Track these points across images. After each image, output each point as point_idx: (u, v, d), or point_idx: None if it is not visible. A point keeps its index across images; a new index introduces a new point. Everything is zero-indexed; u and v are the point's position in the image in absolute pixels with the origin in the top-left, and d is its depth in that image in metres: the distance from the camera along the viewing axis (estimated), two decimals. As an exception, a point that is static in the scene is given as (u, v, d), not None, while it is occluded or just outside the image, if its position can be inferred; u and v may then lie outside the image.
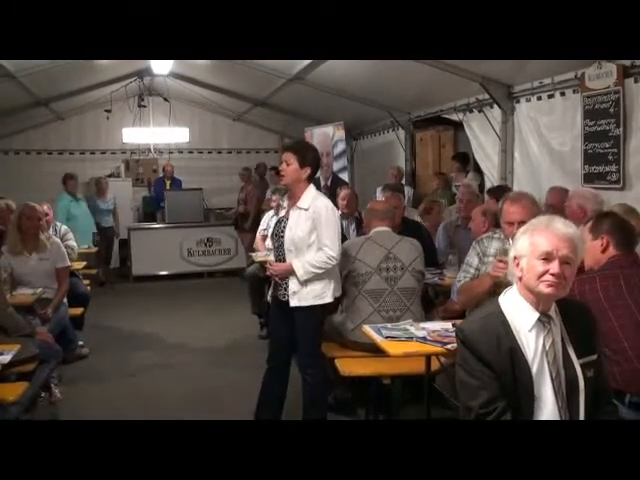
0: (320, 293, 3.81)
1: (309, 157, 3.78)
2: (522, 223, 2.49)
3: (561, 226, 2.14)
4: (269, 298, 4.03)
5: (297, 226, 3.75)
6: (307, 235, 3.74)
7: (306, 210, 3.75)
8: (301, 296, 3.78)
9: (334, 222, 3.79)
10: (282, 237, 3.83)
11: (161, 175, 11.24)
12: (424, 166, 9.05)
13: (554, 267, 2.10)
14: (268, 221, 6.57)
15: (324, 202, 3.81)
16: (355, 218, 6.35)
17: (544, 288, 2.13)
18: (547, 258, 2.11)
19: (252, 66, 7.51)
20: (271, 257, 4.04)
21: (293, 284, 3.78)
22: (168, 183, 10.96)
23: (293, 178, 3.78)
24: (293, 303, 3.79)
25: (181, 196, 10.53)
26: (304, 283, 3.76)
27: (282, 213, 4.00)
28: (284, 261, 3.82)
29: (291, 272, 3.75)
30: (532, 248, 2.14)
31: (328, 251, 3.71)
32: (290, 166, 3.75)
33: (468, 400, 2.18)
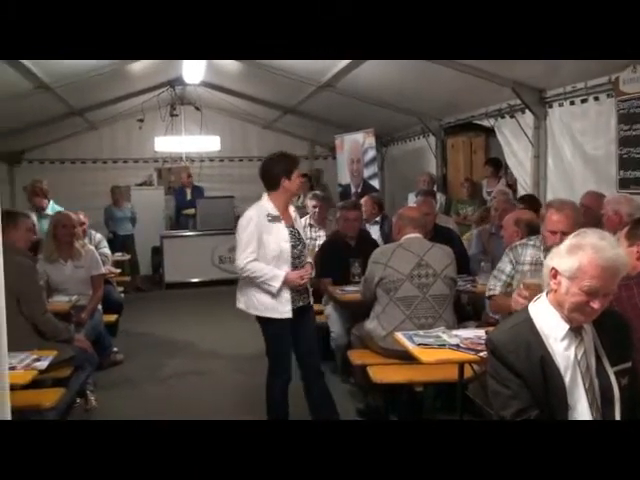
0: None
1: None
2: (565, 233, 2.45)
3: (610, 253, 2.05)
4: (288, 314, 3.82)
5: (301, 228, 4.06)
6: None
7: (294, 212, 4.04)
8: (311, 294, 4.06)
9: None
10: (299, 244, 3.92)
11: (183, 184, 11.29)
12: (455, 172, 9.00)
13: (596, 304, 2.06)
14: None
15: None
16: (377, 222, 6.44)
17: (579, 317, 2.11)
18: (594, 295, 2.05)
19: (282, 74, 7.55)
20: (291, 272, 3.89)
21: (309, 285, 4.00)
22: (189, 192, 11.06)
23: None
24: (311, 301, 4.04)
25: (213, 204, 10.61)
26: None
27: (281, 223, 3.86)
28: (303, 266, 3.92)
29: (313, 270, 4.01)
30: (579, 275, 2.06)
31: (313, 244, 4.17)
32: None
33: (500, 410, 2.16)
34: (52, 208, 7.42)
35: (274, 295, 3.78)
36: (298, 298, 3.89)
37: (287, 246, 3.81)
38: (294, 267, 3.85)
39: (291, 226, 3.91)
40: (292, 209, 4.03)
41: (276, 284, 3.75)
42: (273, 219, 3.81)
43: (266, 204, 3.86)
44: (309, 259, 4.00)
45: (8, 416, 1.71)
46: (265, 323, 3.88)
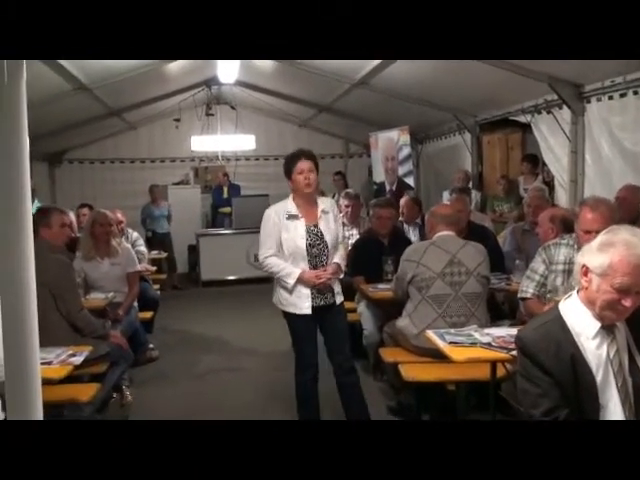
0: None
1: (318, 163, 3.96)
2: (599, 232, 2.40)
3: None
4: (307, 311, 3.86)
5: (330, 228, 3.94)
6: (339, 233, 4.03)
7: (328, 212, 3.97)
8: (340, 293, 4.03)
9: (340, 218, 4.18)
10: (320, 244, 3.89)
11: (220, 182, 11.42)
12: (491, 169, 8.90)
13: (628, 301, 2.02)
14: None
15: (332, 201, 4.27)
16: (417, 224, 6.36)
17: (611, 314, 2.07)
18: (625, 292, 2.02)
19: (316, 72, 7.57)
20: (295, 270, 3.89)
21: (336, 284, 3.98)
22: (225, 190, 11.16)
23: (315, 185, 3.96)
24: (339, 300, 4.00)
25: (248, 202, 10.66)
26: (339, 280, 4.01)
27: (299, 221, 3.89)
28: (323, 266, 3.90)
29: (338, 272, 3.97)
30: (610, 272, 2.02)
31: (344, 243, 4.17)
32: (313, 174, 3.89)
33: (529, 408, 2.14)
34: (35, 207, 7.40)
35: (292, 291, 3.87)
36: (320, 296, 3.89)
37: (302, 244, 3.85)
38: (313, 266, 3.88)
39: (313, 225, 3.90)
40: (328, 208, 3.98)
41: (290, 281, 3.84)
42: (290, 217, 3.88)
43: (288, 202, 3.96)
44: (337, 259, 3.95)
45: (40, 415, 1.74)
46: (287, 318, 3.99)
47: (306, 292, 3.86)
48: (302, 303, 3.87)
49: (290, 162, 3.91)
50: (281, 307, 3.98)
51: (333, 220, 3.98)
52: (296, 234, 3.86)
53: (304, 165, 3.85)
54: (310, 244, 3.87)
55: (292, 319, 3.94)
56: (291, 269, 3.84)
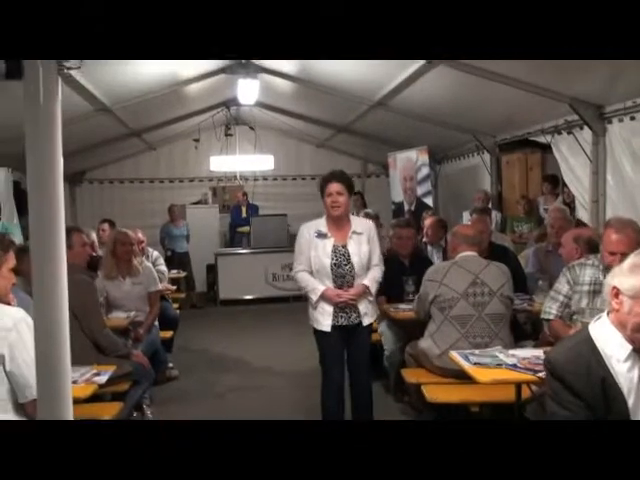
0: (376, 308, 4.19)
1: (352, 186, 4.08)
2: (624, 254, 2.38)
3: None
4: (327, 328, 3.95)
5: (361, 250, 3.98)
6: (370, 256, 4.02)
7: (361, 234, 4.01)
8: (370, 314, 4.06)
9: (377, 240, 4.13)
10: (347, 265, 3.95)
11: (239, 202, 11.47)
12: (511, 189, 8.86)
13: None
14: None
15: (370, 223, 4.21)
16: (440, 245, 6.30)
17: None
18: None
19: (335, 93, 7.61)
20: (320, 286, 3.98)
21: (363, 305, 3.99)
22: (244, 210, 11.21)
23: (346, 208, 4.03)
24: (367, 322, 4.03)
25: (266, 222, 10.72)
26: (369, 302, 4.03)
27: (328, 240, 3.99)
28: (350, 286, 3.95)
29: (365, 293, 3.98)
30: None
31: (382, 266, 4.10)
32: (343, 196, 3.98)
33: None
34: (1, 227, 7.39)
35: (316, 307, 3.98)
36: (343, 315, 3.96)
37: (328, 263, 3.95)
38: (338, 285, 3.96)
39: (342, 245, 3.97)
40: (362, 229, 4.03)
41: (314, 297, 3.97)
42: (320, 235, 4.01)
43: (320, 221, 4.09)
44: (366, 281, 3.98)
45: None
46: (314, 332, 4.08)
47: (329, 309, 3.94)
48: (324, 320, 3.97)
49: (322, 184, 4.05)
50: (310, 322, 4.09)
51: (366, 242, 4.01)
52: (323, 252, 3.95)
53: (333, 188, 3.97)
54: (335, 263, 3.94)
55: (316, 335, 4.05)
56: (316, 285, 3.95)
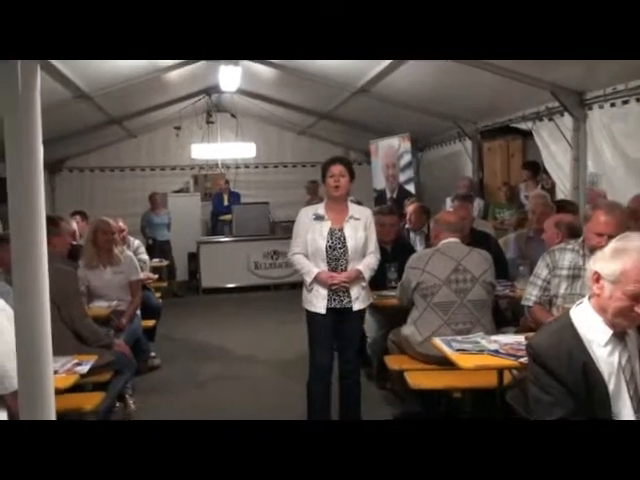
0: (369, 295, 4.16)
1: (353, 171, 4.10)
2: (611, 236, 2.39)
3: None
4: (321, 310, 3.98)
5: (357, 235, 4.00)
6: (366, 242, 4.04)
7: (359, 219, 4.03)
8: (362, 299, 4.05)
9: (374, 228, 4.14)
10: (341, 248, 3.97)
11: (221, 189, 11.43)
12: (492, 176, 8.91)
13: None
14: None
15: (368, 211, 4.22)
16: (423, 232, 6.33)
17: (623, 322, 2.06)
18: (636, 298, 2.01)
19: (317, 80, 7.58)
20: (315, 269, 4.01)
21: (355, 290, 4.00)
22: (226, 197, 11.17)
23: (346, 190, 4.07)
24: (357, 307, 4.03)
25: (248, 210, 10.69)
26: (362, 287, 4.03)
27: (325, 222, 4.02)
28: (343, 270, 3.98)
29: (358, 278, 3.99)
30: (623, 279, 2.02)
31: (378, 254, 4.10)
32: (344, 178, 4.01)
33: (542, 417, 2.12)
34: None
35: (311, 290, 4.00)
36: (336, 298, 3.99)
37: (323, 245, 3.97)
38: (332, 268, 3.99)
39: (339, 229, 4.00)
40: (360, 215, 4.06)
41: (308, 279, 3.99)
42: (317, 218, 4.04)
43: (319, 204, 4.17)
44: (360, 266, 4.00)
45: (53, 417, 1.74)
46: (306, 317, 4.10)
47: (323, 292, 3.97)
48: (318, 302, 4.00)
49: (325, 166, 4.08)
50: (303, 305, 4.11)
51: (363, 228, 4.03)
52: (320, 235, 3.99)
53: (335, 169, 4.00)
54: (330, 246, 3.97)
55: (309, 317, 4.07)
56: (310, 268, 3.98)
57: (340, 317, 4.02)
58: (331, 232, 3.99)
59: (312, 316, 4.04)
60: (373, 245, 4.09)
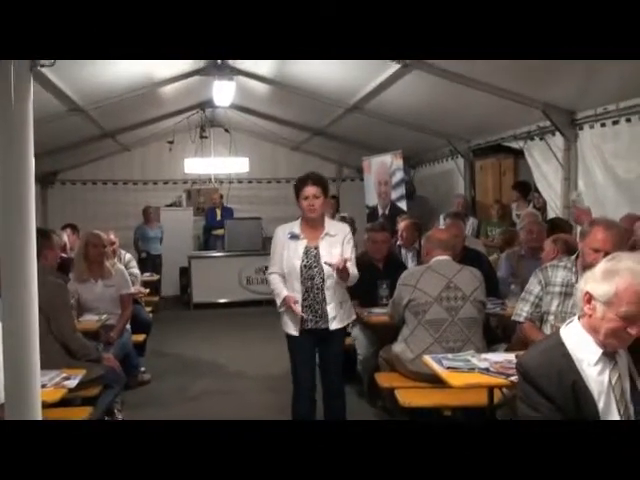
0: (350, 312, 4.08)
1: (327, 188, 4.05)
2: (607, 253, 2.39)
3: None
4: (294, 332, 3.92)
5: (332, 252, 3.91)
6: (347, 260, 3.87)
7: (334, 236, 3.97)
8: (340, 319, 3.95)
9: (352, 244, 4.05)
10: (317, 266, 3.89)
11: (214, 204, 11.41)
12: (484, 194, 8.95)
13: (634, 329, 2.01)
14: None
15: (345, 227, 4.13)
16: (414, 249, 6.33)
17: (615, 342, 2.06)
18: (631, 321, 2.01)
19: (311, 96, 7.62)
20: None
21: (331, 309, 3.91)
22: (218, 212, 11.17)
23: (322, 211, 4.01)
24: (334, 326, 3.93)
25: (241, 225, 10.67)
26: (340, 306, 3.94)
27: (300, 241, 3.95)
28: (320, 290, 3.89)
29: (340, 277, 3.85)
30: (615, 300, 2.01)
31: (354, 270, 3.91)
32: (318, 200, 3.94)
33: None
34: None
35: (286, 311, 3.95)
36: (312, 319, 3.91)
37: (298, 263, 3.90)
38: (305, 287, 3.91)
39: (314, 247, 3.93)
40: (336, 232, 3.98)
41: (278, 300, 3.96)
42: (292, 237, 3.98)
43: (295, 223, 4.07)
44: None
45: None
46: (285, 336, 4.05)
47: (294, 315, 3.90)
48: (293, 324, 3.95)
49: (298, 186, 4.00)
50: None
51: (340, 245, 3.94)
52: (295, 254, 3.93)
53: (309, 191, 3.93)
54: (306, 265, 3.90)
55: (287, 338, 4.02)
56: (280, 290, 3.93)
57: (318, 338, 3.95)
58: (306, 251, 3.92)
59: (289, 338, 3.99)
60: (349, 264, 3.90)
